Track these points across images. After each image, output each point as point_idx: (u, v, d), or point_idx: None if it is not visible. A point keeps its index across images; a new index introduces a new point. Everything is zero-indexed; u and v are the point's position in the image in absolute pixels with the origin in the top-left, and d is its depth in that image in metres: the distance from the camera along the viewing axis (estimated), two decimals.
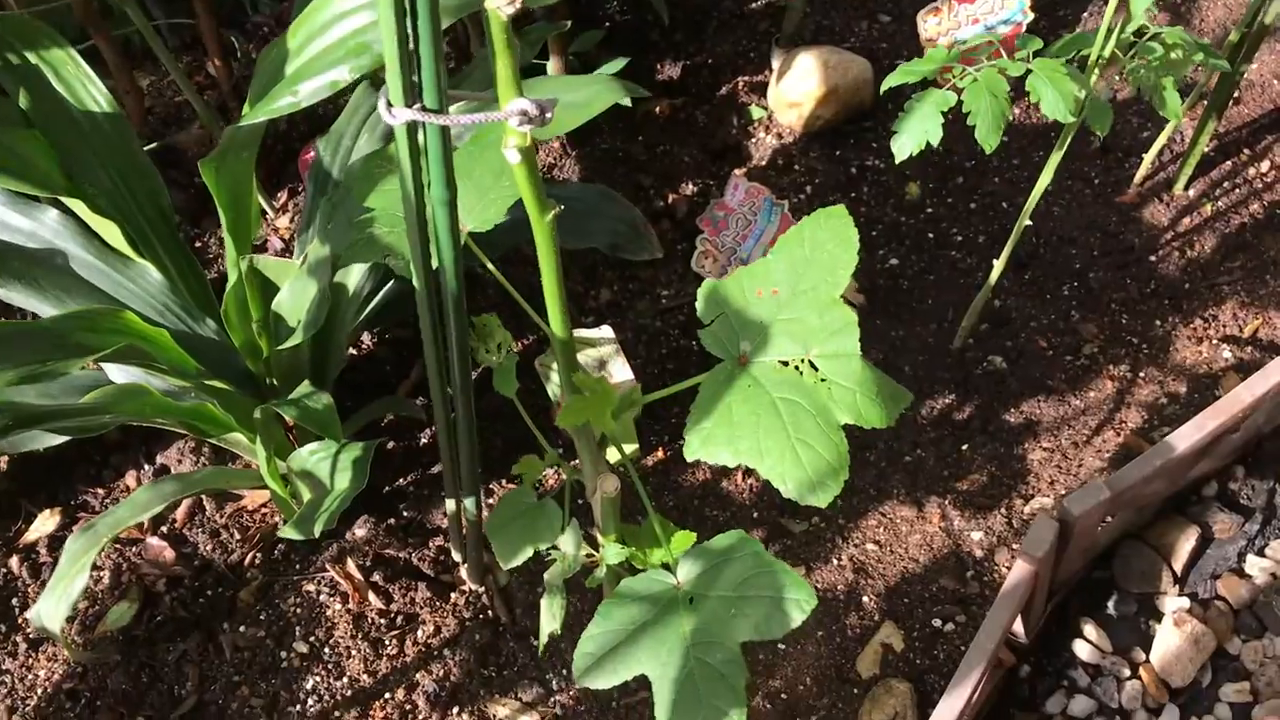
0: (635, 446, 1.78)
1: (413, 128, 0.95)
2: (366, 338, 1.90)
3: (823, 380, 1.05)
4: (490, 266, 1.16)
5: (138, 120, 2.16)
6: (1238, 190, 1.98)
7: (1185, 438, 1.35)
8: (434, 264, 1.11)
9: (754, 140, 2.11)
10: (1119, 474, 1.33)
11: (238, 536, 1.71)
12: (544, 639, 1.17)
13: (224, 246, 1.49)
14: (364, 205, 1.20)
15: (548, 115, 0.85)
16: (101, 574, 1.68)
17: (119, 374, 1.56)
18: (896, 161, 1.30)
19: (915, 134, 1.27)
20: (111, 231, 1.52)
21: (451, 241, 1.03)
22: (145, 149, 1.88)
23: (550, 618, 1.14)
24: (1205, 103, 1.90)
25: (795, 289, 1.08)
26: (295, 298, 1.41)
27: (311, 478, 1.43)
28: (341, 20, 1.24)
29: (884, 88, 1.35)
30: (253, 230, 1.48)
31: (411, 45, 0.89)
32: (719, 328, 1.10)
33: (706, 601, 1.00)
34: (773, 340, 1.07)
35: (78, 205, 1.49)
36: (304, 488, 1.48)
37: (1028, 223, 1.50)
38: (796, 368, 1.06)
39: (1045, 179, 1.47)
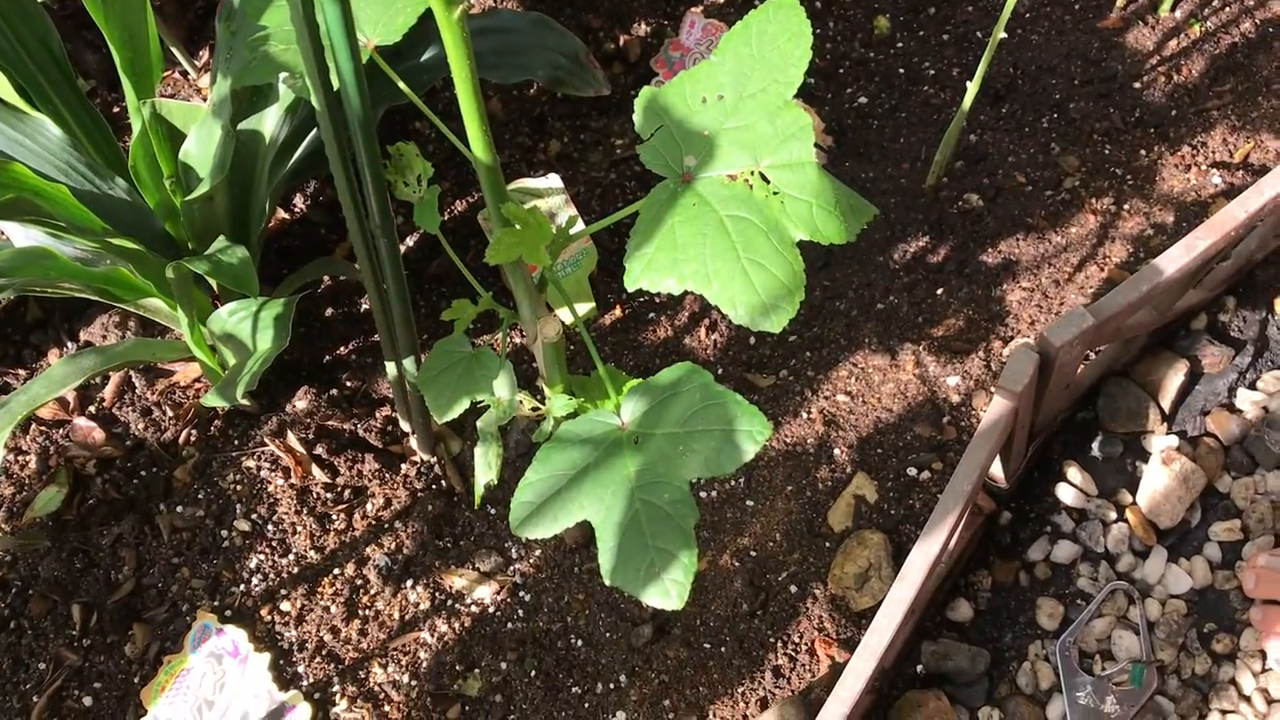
0: (592, 305, 1.68)
1: None
2: (300, 201, 1.77)
3: (775, 194, 0.94)
4: (403, 86, 1.03)
5: None
6: (1228, 9, 1.84)
7: (1174, 259, 1.25)
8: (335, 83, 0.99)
9: None
10: (1103, 300, 1.23)
11: (171, 414, 1.60)
12: (479, 490, 1.08)
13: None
14: (259, 24, 1.07)
15: None
16: (27, 458, 1.58)
17: (23, 240, 1.44)
18: None
19: None
20: None
21: (348, 46, 0.91)
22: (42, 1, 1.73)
23: (485, 467, 1.05)
24: None
25: (742, 93, 0.96)
26: (202, 144, 1.28)
27: (233, 340, 1.32)
28: None
29: None
30: (155, 71, 1.34)
31: None
32: (659, 141, 0.99)
33: (652, 439, 0.91)
34: (719, 152, 0.96)
35: None
36: (228, 353, 1.37)
37: (1003, 35, 1.38)
38: (746, 181, 0.95)
39: None
